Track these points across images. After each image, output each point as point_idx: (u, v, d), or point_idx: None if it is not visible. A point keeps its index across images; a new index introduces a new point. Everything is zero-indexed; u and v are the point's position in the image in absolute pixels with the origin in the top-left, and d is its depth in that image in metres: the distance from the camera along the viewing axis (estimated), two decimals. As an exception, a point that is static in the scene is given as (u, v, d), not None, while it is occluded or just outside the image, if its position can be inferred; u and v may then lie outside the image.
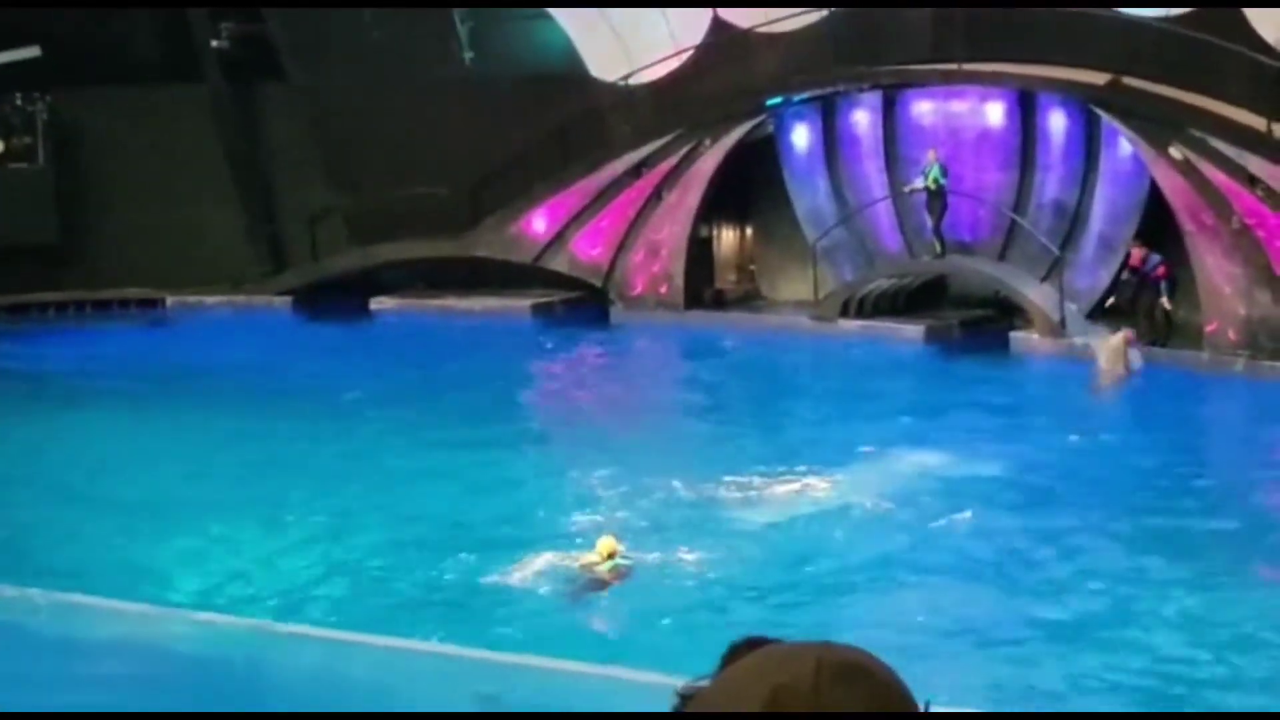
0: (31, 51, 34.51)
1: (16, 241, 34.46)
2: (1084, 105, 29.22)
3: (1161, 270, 27.61)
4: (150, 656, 8.69)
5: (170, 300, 35.10)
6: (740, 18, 31.80)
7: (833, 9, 30.84)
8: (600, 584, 16.67)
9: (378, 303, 33.95)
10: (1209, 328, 27.10)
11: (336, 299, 33.77)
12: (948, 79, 30.22)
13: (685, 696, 2.12)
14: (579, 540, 17.58)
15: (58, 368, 29.67)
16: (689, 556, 17.61)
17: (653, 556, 17.53)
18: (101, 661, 8.96)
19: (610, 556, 16.73)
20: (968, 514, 19.19)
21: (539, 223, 33.22)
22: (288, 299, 34.87)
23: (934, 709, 2.11)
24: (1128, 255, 28.34)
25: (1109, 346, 26.54)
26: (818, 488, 20.24)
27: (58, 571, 16.53)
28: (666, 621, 15.75)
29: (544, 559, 17.14)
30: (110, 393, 26.98)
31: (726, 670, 2.11)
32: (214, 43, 35.23)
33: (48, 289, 34.84)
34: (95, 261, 35.20)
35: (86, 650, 9.02)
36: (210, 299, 35.08)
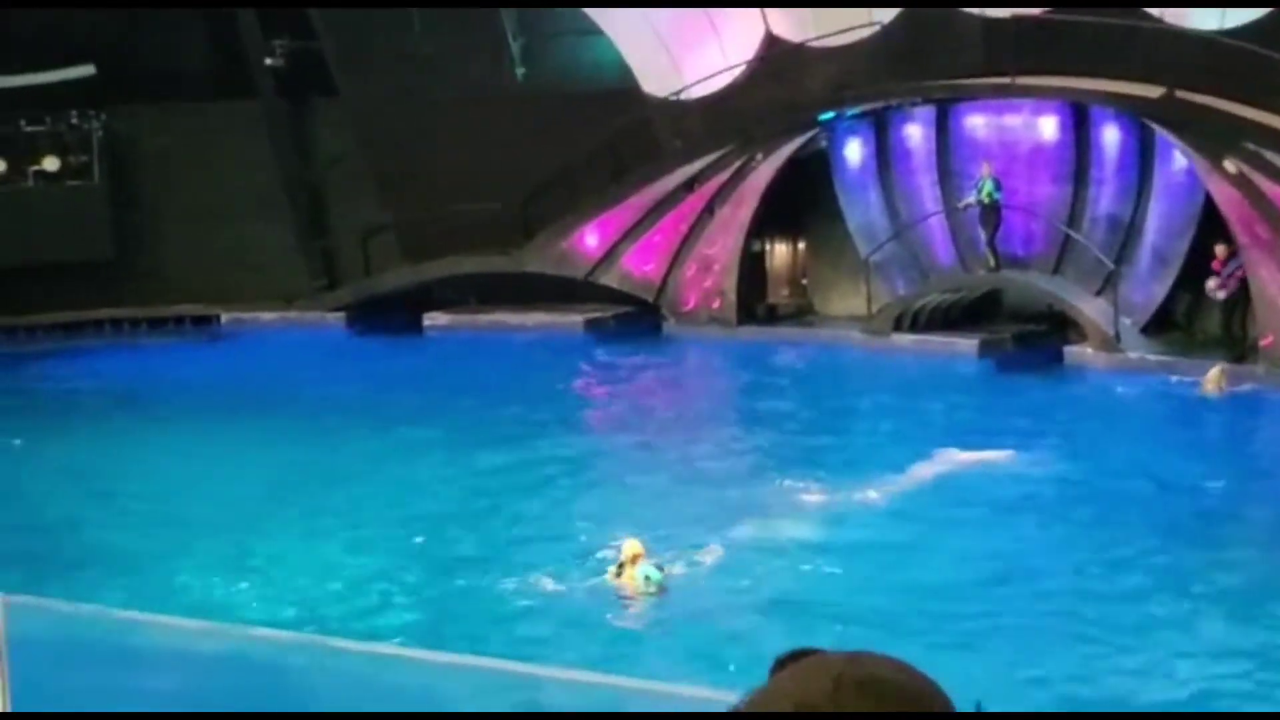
0: (86, 70, 34.80)
1: (73, 258, 34.68)
2: (1138, 118, 29.06)
3: (1239, 274, 27.36)
4: (200, 670, 8.70)
5: (225, 316, 35.27)
6: (793, 32, 31.76)
7: (884, 24, 30.78)
8: (637, 591, 16.66)
9: (430, 318, 34.02)
10: (1264, 341, 26.90)
11: (389, 314, 33.87)
12: (1000, 93, 30.11)
13: (736, 710, 2.11)
14: (614, 549, 17.56)
15: (113, 385, 29.82)
16: (738, 569, 17.58)
17: (700, 568, 17.52)
18: (153, 676, 8.97)
19: (635, 560, 16.67)
20: (1023, 528, 19.11)
21: (591, 238, 33.23)
22: (341, 315, 34.98)
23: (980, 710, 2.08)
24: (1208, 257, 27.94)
25: (1209, 380, 26.09)
26: (869, 501, 20.18)
27: (110, 586, 16.64)
28: (713, 633, 15.73)
29: (591, 571, 17.15)
30: (165, 409, 27.12)
31: (764, 686, 2.10)
32: (267, 60, 35.41)
33: (103, 306, 35.02)
34: (150, 278, 35.38)
35: (138, 664, 9.04)
36: (264, 315, 35.21)
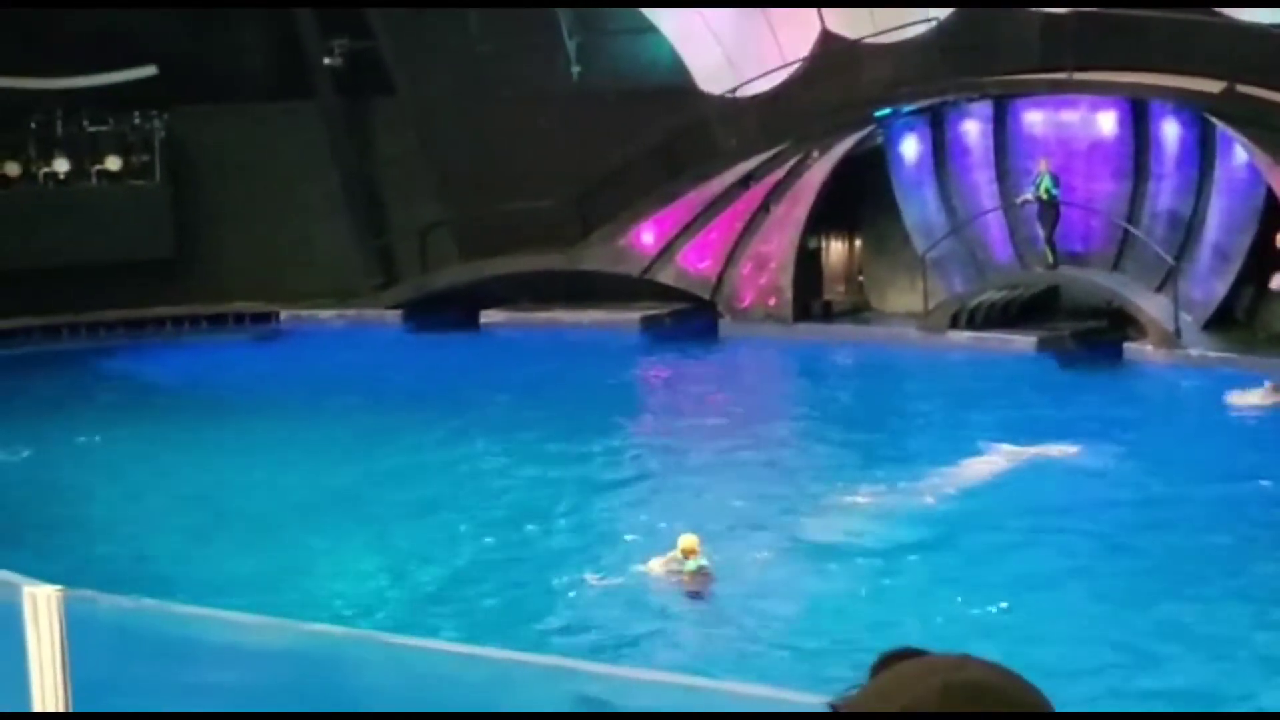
0: (148, 71, 35.07)
1: (134, 256, 34.99)
2: (1198, 113, 28.87)
3: None
4: (259, 666, 8.76)
5: (283, 314, 35.47)
6: (849, 28, 31.70)
7: (941, 20, 30.70)
8: (686, 587, 16.68)
9: (487, 315, 34.11)
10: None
11: (446, 312, 33.99)
12: (1058, 88, 29.97)
13: (835, 708, 2.12)
14: (666, 544, 17.56)
15: (174, 382, 30.05)
16: (792, 566, 17.58)
17: (755, 565, 17.54)
18: (211, 671, 9.03)
19: (690, 554, 16.71)
20: (1082, 526, 19.01)
21: (647, 235, 33.25)
22: (398, 312, 35.13)
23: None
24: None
25: (1259, 395, 25.58)
26: (925, 500, 20.12)
27: (171, 581, 16.76)
28: (767, 630, 15.73)
29: (645, 566, 17.17)
30: (224, 406, 27.32)
31: (867, 686, 2.12)
32: (326, 60, 35.57)
33: (163, 303, 35.31)
34: (209, 276, 35.62)
35: (197, 659, 9.11)
36: (322, 313, 35.41)
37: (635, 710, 7.58)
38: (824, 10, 31.85)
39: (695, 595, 16.68)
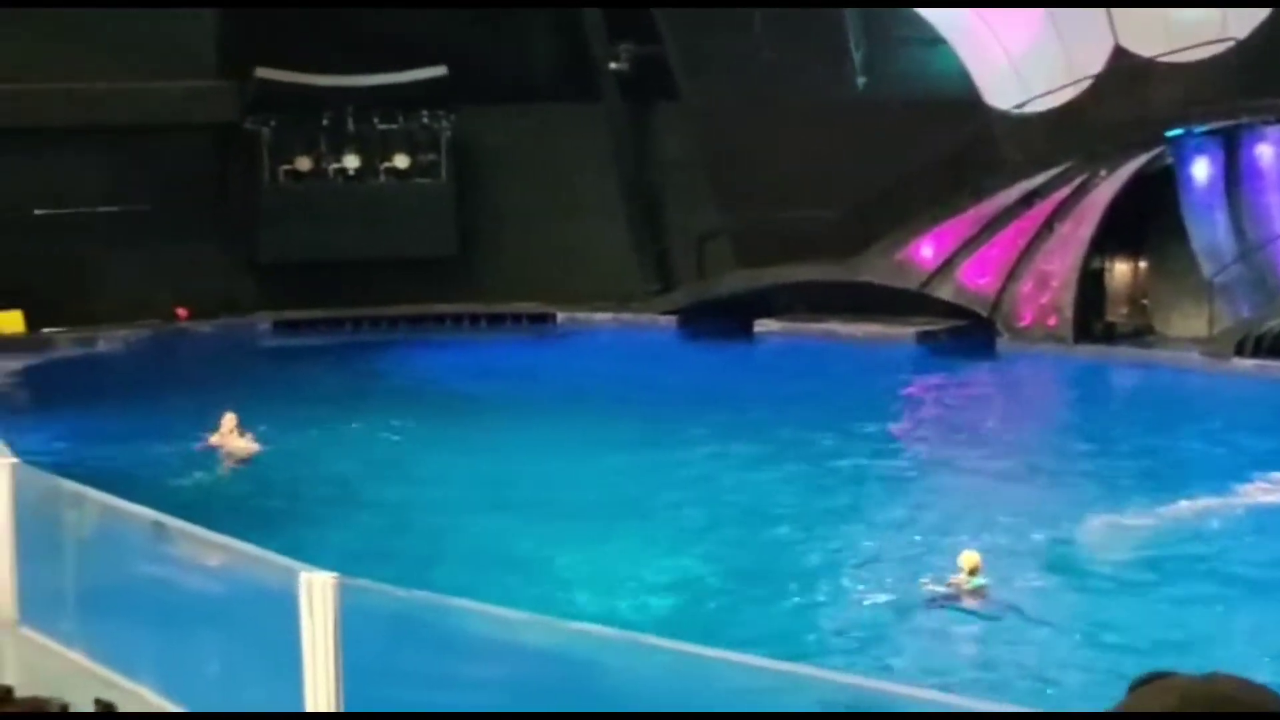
0: (438, 71, 35.83)
1: (418, 253, 35.84)
2: None
3: None
4: (526, 662, 8.89)
5: (560, 315, 35.95)
6: (1143, 45, 31.05)
7: (1240, 39, 29.91)
8: (963, 603, 16.54)
9: (761, 325, 34.15)
10: None
11: (721, 319, 34.10)
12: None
13: None
14: (945, 565, 17.40)
15: (453, 376, 30.63)
16: (1057, 587, 17.31)
17: (1027, 585, 17.29)
18: (479, 664, 9.18)
19: (973, 572, 16.60)
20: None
21: (927, 250, 32.98)
22: (673, 318, 35.35)
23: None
24: None
25: None
26: (1201, 523, 19.64)
27: (446, 571, 17.06)
28: (1033, 648, 15.50)
29: (910, 581, 17.06)
30: (502, 403, 27.78)
31: (1117, 706, 2.16)
32: (612, 64, 35.94)
33: (443, 300, 36.06)
34: (489, 275, 36.28)
35: (464, 651, 9.27)
36: (598, 315, 35.80)
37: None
38: (1117, 25, 31.22)
39: (975, 611, 16.53)
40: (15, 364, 30.81)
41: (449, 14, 35.64)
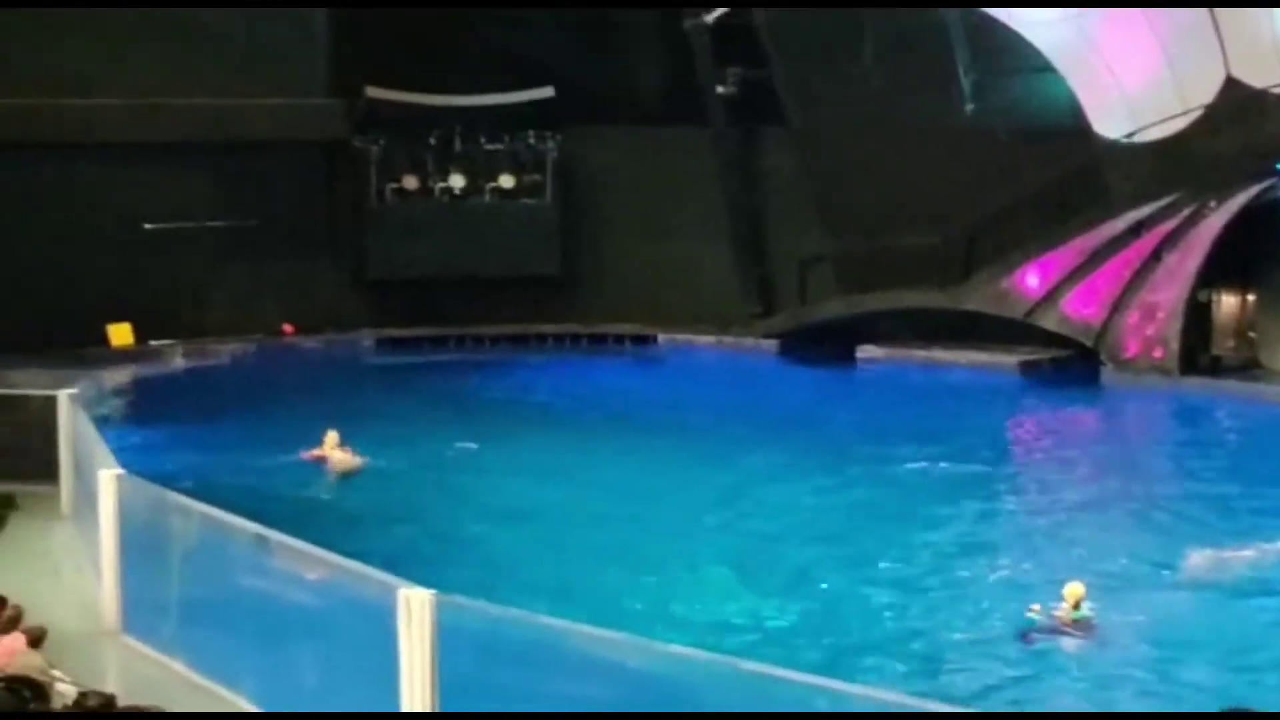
0: (545, 92, 36.04)
1: (522, 272, 36.08)
2: None
3: None
4: (619, 682, 8.91)
5: (662, 338, 35.98)
6: (1254, 75, 30.68)
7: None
8: (1067, 634, 16.41)
9: (864, 351, 34.01)
10: None
11: (822, 345, 34.00)
12: None
13: None
14: (1044, 593, 17.25)
15: (553, 397, 30.71)
16: (1172, 619, 17.12)
17: (1131, 617, 17.11)
18: (572, 683, 9.22)
19: (1077, 605, 16.52)
20: None
21: (1032, 278, 32.73)
22: (774, 342, 35.29)
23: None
24: None
25: None
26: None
27: (542, 589, 17.08)
28: (1136, 680, 15.34)
29: (1014, 612, 16.93)
30: (601, 424, 27.85)
31: None
32: (719, 88, 35.92)
33: (546, 320, 36.23)
34: (591, 295, 36.42)
35: (556, 669, 9.31)
36: (700, 338, 35.80)
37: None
38: (1229, 54, 30.87)
39: (1080, 643, 16.39)
40: (124, 376, 31.22)
41: (558, 35, 35.87)
